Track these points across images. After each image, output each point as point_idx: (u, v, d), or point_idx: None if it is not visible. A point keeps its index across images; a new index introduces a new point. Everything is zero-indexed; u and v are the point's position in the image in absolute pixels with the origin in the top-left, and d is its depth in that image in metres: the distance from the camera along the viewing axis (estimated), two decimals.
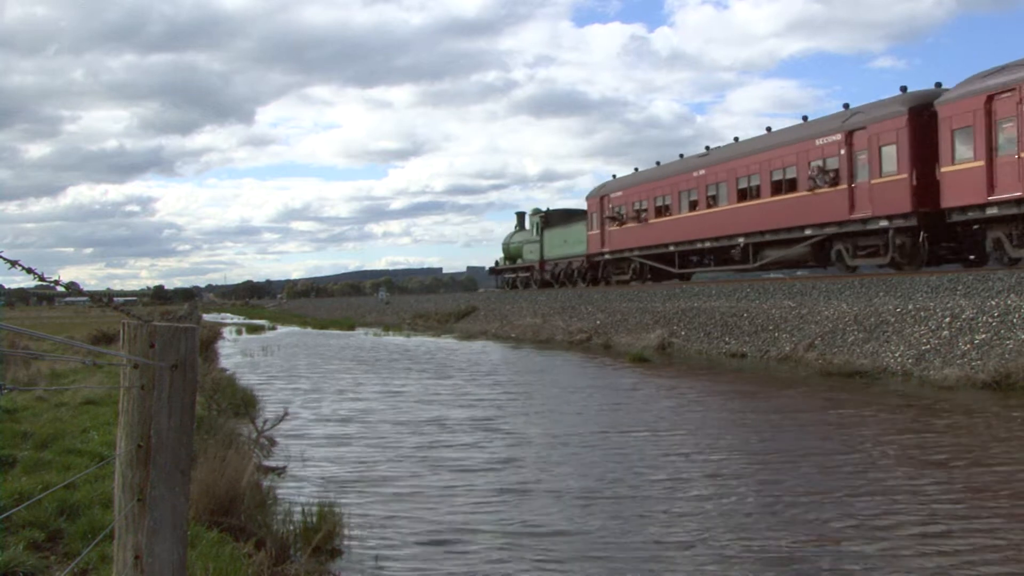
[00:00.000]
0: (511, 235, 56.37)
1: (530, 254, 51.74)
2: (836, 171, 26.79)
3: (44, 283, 2.02)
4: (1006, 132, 21.16)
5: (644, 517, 7.55)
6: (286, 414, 11.22)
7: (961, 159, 22.46)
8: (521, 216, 56.61)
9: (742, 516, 7.51)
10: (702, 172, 33.87)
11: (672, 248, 36.17)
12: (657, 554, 6.58)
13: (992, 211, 21.75)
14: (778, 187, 29.37)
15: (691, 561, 6.38)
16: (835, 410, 13.49)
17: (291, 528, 6.53)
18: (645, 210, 37.85)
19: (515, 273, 55.54)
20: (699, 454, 10.41)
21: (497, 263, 58.76)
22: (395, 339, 39.47)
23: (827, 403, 14.30)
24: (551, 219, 49.72)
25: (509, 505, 8.04)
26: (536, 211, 52.07)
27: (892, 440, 10.85)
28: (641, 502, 8.05)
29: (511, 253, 55.88)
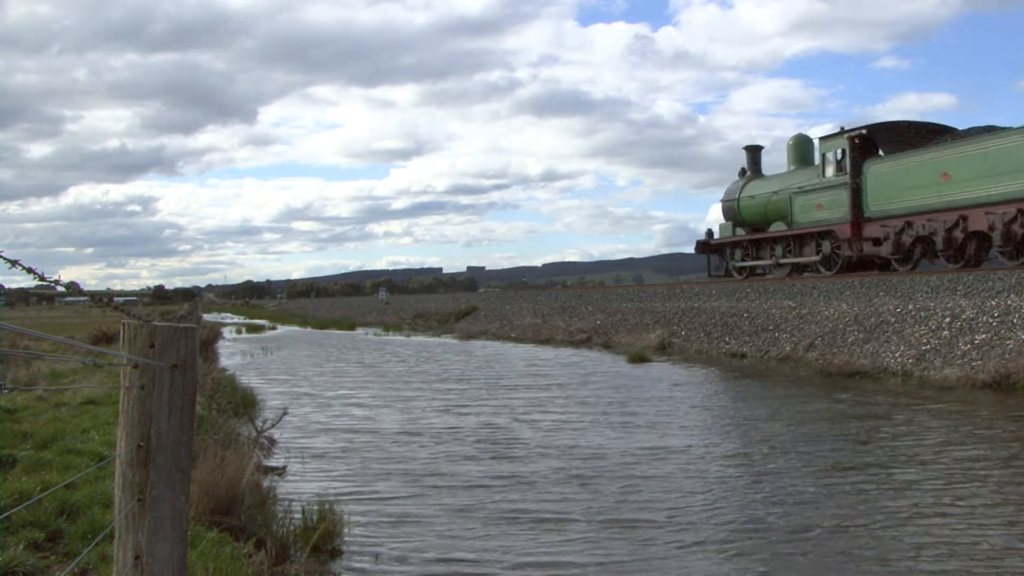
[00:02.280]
0: (744, 183, 32.09)
1: (813, 212, 27.97)
2: None
3: (44, 283, 2.02)
4: None
5: (698, 551, 6.53)
6: (285, 414, 11.22)
7: None
8: (754, 153, 32.76)
9: (818, 548, 6.50)
10: None
11: None
12: None
13: None
14: None
15: None
16: (896, 416, 12.62)
17: (291, 528, 6.53)
18: None
19: (770, 246, 30.48)
20: (748, 469, 9.29)
21: (710, 234, 34.04)
22: (396, 339, 39.47)
23: (881, 410, 13.35)
24: (880, 142, 26.52)
25: (519, 529, 7.28)
26: (798, 138, 30.42)
27: (984, 455, 9.79)
28: (686, 531, 7.05)
29: (749, 214, 31.29)
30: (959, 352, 16.67)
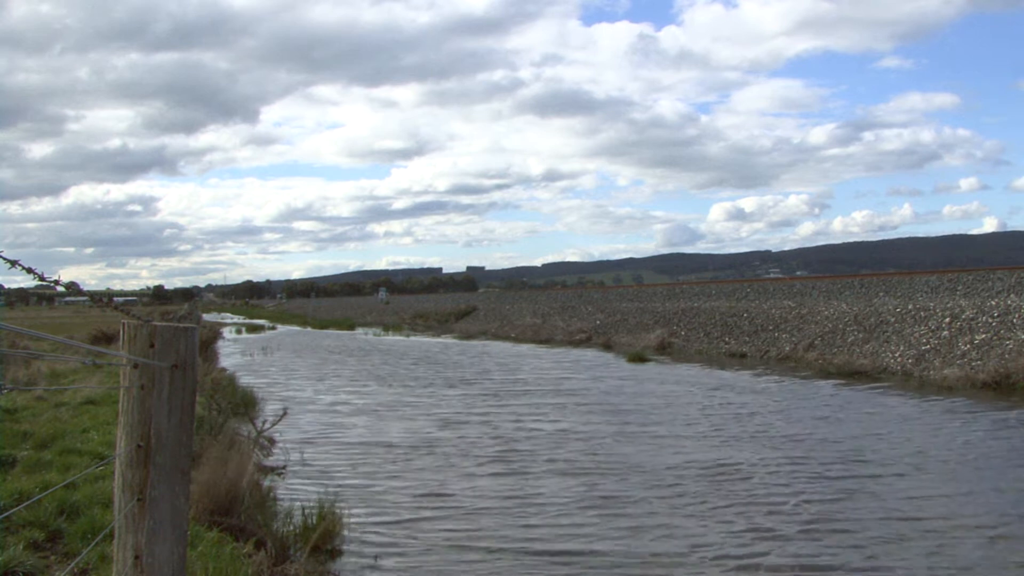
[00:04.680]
0: None
1: None
2: None
3: (44, 283, 2.01)
4: None
5: None
6: (285, 414, 11.20)
7: None
8: None
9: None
10: None
11: None
12: None
13: None
14: None
15: None
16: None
17: (291, 528, 6.52)
18: None
19: None
20: (796, 490, 8.03)
21: None
22: (395, 339, 39.47)
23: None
24: None
25: (526, 553, 6.55)
26: None
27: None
28: (730, 572, 6.06)
29: None
30: (959, 352, 16.66)
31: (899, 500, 7.75)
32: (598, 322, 32.52)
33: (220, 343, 36.05)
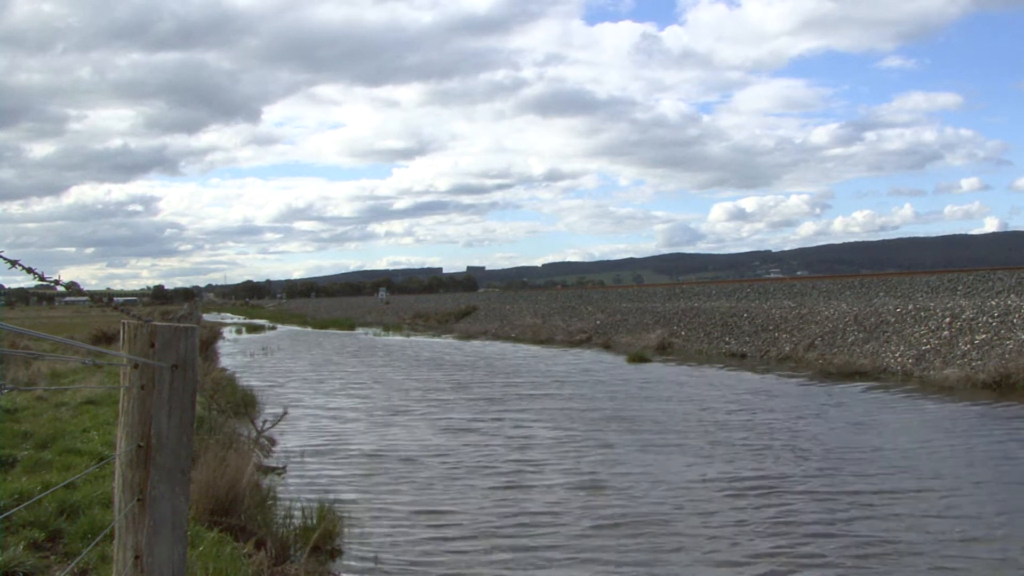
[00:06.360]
0: None
1: None
2: None
3: (44, 283, 2.01)
4: None
5: None
6: (285, 414, 11.21)
7: None
8: None
9: None
10: None
11: None
12: None
13: None
14: None
15: None
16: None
17: (291, 528, 6.52)
18: None
19: None
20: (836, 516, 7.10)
21: None
22: (396, 339, 39.47)
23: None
24: None
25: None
26: None
27: None
28: None
29: None
30: (959, 352, 16.66)
31: (955, 520, 7.05)
32: (598, 322, 32.52)
33: (220, 343, 36.05)
